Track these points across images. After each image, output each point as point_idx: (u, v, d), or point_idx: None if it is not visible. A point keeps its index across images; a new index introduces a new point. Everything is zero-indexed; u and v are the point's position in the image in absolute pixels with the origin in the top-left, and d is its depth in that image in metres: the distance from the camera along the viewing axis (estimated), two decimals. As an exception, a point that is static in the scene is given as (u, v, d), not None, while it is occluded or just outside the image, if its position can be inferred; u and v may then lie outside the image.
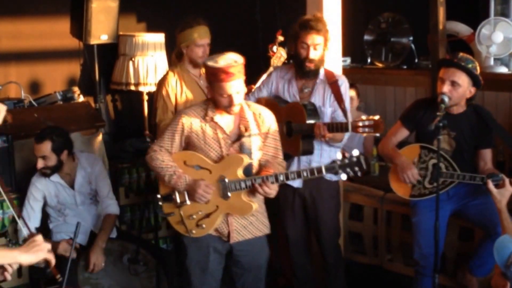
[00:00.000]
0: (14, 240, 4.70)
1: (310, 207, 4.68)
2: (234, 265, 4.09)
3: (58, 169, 4.65)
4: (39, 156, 4.57)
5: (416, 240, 4.45)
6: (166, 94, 4.77)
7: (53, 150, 4.56)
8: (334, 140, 4.41)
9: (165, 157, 3.92)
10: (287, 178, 3.75)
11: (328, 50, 4.53)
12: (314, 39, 4.42)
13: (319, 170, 3.71)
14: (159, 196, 4.00)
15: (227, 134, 3.88)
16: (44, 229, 4.72)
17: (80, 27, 6.02)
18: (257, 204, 3.88)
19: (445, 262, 4.77)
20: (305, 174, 3.74)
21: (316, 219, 4.70)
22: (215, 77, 3.76)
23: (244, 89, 3.85)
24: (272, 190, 3.76)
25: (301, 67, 4.52)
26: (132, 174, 5.52)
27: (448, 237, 4.62)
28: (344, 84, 4.58)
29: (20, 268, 4.81)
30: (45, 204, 4.76)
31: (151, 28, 6.65)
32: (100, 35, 6.04)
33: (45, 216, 4.80)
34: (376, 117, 4.06)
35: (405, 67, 6.78)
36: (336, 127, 4.23)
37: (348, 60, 6.97)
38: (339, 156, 3.71)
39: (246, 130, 3.87)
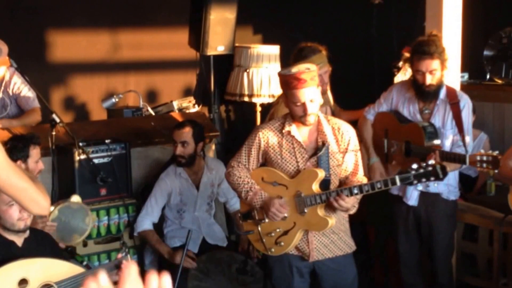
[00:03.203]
0: (128, 243, 4.85)
1: (424, 224, 4.57)
2: (320, 284, 4.01)
3: (191, 162, 4.80)
4: (180, 141, 4.74)
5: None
6: (274, 112, 4.83)
7: (193, 136, 4.75)
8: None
9: (242, 173, 3.86)
10: (361, 191, 3.64)
11: (447, 69, 4.35)
12: (428, 65, 4.23)
13: (393, 181, 3.60)
14: (240, 214, 3.96)
15: (304, 148, 3.79)
16: (157, 233, 4.85)
17: (198, 38, 6.14)
18: (334, 220, 3.77)
19: None
20: (378, 185, 3.61)
21: (430, 237, 4.58)
22: (288, 85, 3.70)
23: (319, 99, 3.74)
24: (348, 203, 3.65)
25: (419, 91, 4.37)
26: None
27: None
28: (466, 106, 4.39)
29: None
30: (164, 207, 4.89)
31: (266, 40, 6.71)
32: (217, 46, 6.14)
33: (160, 220, 4.93)
34: (495, 153, 3.93)
35: (527, 84, 6.53)
36: (454, 158, 4.10)
37: (466, 76, 6.78)
38: (414, 165, 3.59)
39: (323, 144, 3.77)
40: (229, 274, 4.62)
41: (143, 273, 4.07)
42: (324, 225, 3.76)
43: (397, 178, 3.60)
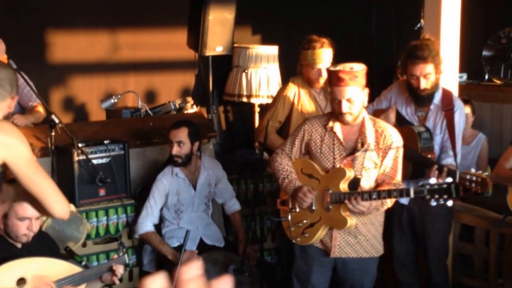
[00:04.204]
0: (126, 244, 4.86)
1: (418, 223, 4.59)
2: (338, 281, 4.09)
3: (188, 161, 4.81)
4: (176, 141, 4.75)
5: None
6: (281, 105, 4.86)
7: (189, 136, 4.76)
8: None
9: (284, 161, 4.02)
10: (379, 197, 3.70)
11: (442, 73, 4.36)
12: (422, 69, 4.25)
13: (407, 192, 3.67)
14: (278, 200, 4.11)
15: (343, 145, 3.87)
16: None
17: (196, 39, 6.14)
18: (354, 221, 3.83)
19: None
20: (394, 194, 3.70)
21: (423, 237, 4.61)
22: (330, 81, 3.85)
23: (360, 100, 3.80)
24: (359, 206, 3.70)
25: (414, 94, 4.40)
26: (240, 186, 5.56)
27: None
28: (458, 111, 4.39)
29: (132, 272, 4.98)
30: (161, 208, 4.89)
31: (265, 41, 6.72)
32: (216, 46, 6.15)
33: (159, 221, 4.92)
34: (485, 174, 3.95)
35: (526, 84, 6.54)
36: (445, 173, 4.12)
37: (465, 76, 6.79)
38: (432, 180, 3.63)
39: (362, 145, 3.84)
40: (226, 274, 4.63)
41: (141, 273, 4.11)
42: (343, 225, 3.83)
43: (412, 190, 3.66)
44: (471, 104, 5.89)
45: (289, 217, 4.00)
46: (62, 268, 3.55)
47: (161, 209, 4.88)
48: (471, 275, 5.18)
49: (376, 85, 6.67)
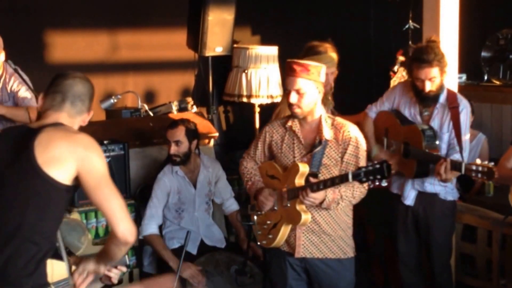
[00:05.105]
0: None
1: (422, 224, 4.58)
2: (312, 284, 4.01)
3: (186, 160, 4.83)
4: (173, 140, 4.78)
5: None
6: (279, 111, 4.83)
7: (186, 135, 4.78)
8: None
9: (249, 164, 4.06)
10: (325, 186, 3.65)
11: (446, 74, 4.35)
12: (427, 73, 4.24)
13: (346, 177, 3.62)
14: (249, 205, 4.10)
15: (302, 144, 3.86)
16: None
17: (196, 39, 6.15)
18: (309, 216, 3.78)
19: None
20: (337, 181, 3.65)
21: (427, 237, 4.59)
22: (285, 72, 3.85)
23: (311, 95, 3.75)
24: (310, 198, 3.66)
25: (419, 96, 4.39)
26: (241, 186, 5.56)
27: None
28: (464, 110, 4.39)
29: (132, 273, 4.95)
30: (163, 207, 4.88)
31: (264, 41, 6.71)
32: (215, 47, 6.15)
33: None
34: (491, 164, 3.93)
35: (525, 85, 6.55)
36: (451, 165, 4.11)
37: (464, 77, 6.80)
38: (369, 164, 3.61)
39: (320, 142, 3.80)
40: (227, 275, 4.62)
41: (142, 275, 4.06)
42: (296, 219, 3.78)
43: (350, 174, 3.61)
44: (470, 105, 5.88)
45: (255, 219, 3.98)
46: (61, 269, 3.52)
47: (163, 209, 4.87)
48: (473, 275, 5.17)
49: (374, 87, 6.68)
